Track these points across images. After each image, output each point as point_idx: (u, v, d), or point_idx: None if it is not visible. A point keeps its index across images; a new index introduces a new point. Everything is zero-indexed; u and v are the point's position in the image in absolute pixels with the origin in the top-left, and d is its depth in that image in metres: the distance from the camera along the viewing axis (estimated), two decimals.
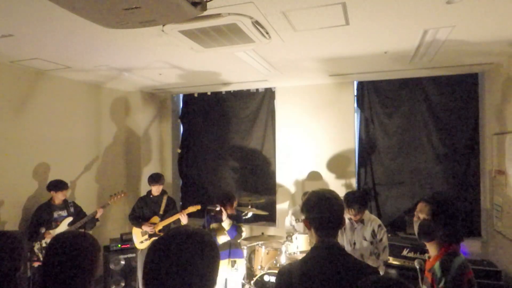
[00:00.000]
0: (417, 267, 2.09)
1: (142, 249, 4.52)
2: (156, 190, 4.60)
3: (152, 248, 1.09)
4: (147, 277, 1.05)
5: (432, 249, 1.87)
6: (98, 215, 4.34)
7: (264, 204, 5.48)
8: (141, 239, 4.50)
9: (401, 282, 1.22)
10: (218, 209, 3.85)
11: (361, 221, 3.36)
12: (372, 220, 3.40)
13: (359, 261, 1.62)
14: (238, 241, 3.95)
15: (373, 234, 3.35)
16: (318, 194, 1.69)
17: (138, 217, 4.55)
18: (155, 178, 4.61)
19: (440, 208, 1.82)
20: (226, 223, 3.80)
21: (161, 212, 4.55)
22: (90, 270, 1.46)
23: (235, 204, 3.97)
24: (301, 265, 1.62)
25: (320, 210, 1.63)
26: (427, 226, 1.82)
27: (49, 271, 1.42)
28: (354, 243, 3.38)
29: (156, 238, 4.54)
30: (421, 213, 1.87)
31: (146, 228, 4.44)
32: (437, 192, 1.98)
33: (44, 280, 1.41)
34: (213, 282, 1.09)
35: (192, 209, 4.51)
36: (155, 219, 4.51)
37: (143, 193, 5.37)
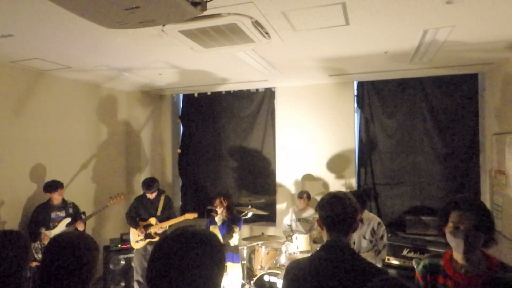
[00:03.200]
0: (415, 266, 2.09)
1: (137, 249, 4.47)
2: (150, 195, 4.47)
3: (157, 248, 1.07)
4: (151, 276, 1.04)
5: (472, 258, 1.71)
6: (80, 228, 4.22)
7: (264, 204, 5.48)
8: (137, 238, 4.44)
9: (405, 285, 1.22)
10: (216, 208, 3.86)
11: (361, 220, 3.36)
12: (371, 219, 3.40)
13: (367, 262, 1.62)
14: (232, 244, 3.91)
15: (373, 233, 3.35)
16: (331, 193, 1.73)
17: (134, 217, 4.49)
18: (148, 186, 4.42)
19: (483, 216, 1.68)
20: (218, 218, 3.81)
21: (158, 214, 4.47)
22: (88, 270, 1.46)
23: (227, 205, 3.93)
24: (309, 263, 1.64)
25: (332, 209, 1.65)
26: (478, 237, 1.66)
27: (47, 272, 1.42)
28: (354, 243, 3.38)
29: (152, 239, 4.48)
30: (462, 224, 1.69)
31: (139, 231, 4.38)
32: (463, 196, 1.79)
33: (43, 280, 1.41)
34: (218, 284, 1.08)
35: (189, 216, 4.46)
36: (152, 220, 4.44)
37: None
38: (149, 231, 4.40)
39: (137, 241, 4.44)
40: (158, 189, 4.52)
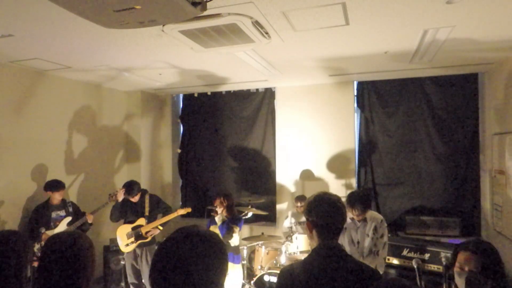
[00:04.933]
0: (415, 266, 2.09)
1: (128, 252, 4.34)
2: (134, 199, 4.36)
3: (161, 248, 1.07)
4: (155, 276, 1.04)
5: None
6: (89, 221, 4.23)
7: (264, 204, 5.49)
8: (126, 241, 4.28)
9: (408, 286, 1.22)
10: (216, 208, 3.85)
11: (364, 219, 3.36)
12: (374, 217, 3.39)
13: (360, 263, 1.63)
14: (232, 245, 3.90)
15: (374, 230, 3.34)
16: (325, 199, 1.67)
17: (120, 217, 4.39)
18: (128, 192, 4.28)
19: (490, 260, 1.68)
20: (218, 218, 3.80)
21: (146, 214, 4.36)
22: (86, 269, 1.45)
23: (228, 203, 3.91)
24: (303, 267, 1.62)
25: (331, 218, 1.63)
26: (478, 281, 1.62)
27: (45, 271, 1.42)
28: (358, 242, 3.37)
29: (144, 240, 4.39)
30: (467, 265, 1.69)
31: (119, 193, 4.24)
32: (477, 239, 1.79)
33: (41, 280, 1.41)
34: (221, 285, 1.08)
35: (182, 211, 4.38)
36: (141, 220, 4.33)
37: None
38: (140, 232, 4.29)
39: (127, 245, 4.30)
40: (140, 190, 4.41)
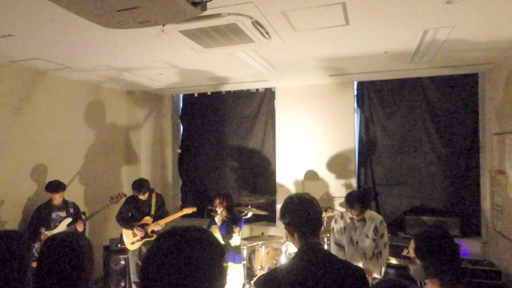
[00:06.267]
0: None
1: (133, 250, 4.40)
2: (143, 197, 4.40)
3: (151, 247, 1.05)
4: (145, 276, 1.01)
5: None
6: (79, 229, 4.19)
7: (264, 204, 5.49)
8: (132, 240, 4.36)
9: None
10: (216, 208, 3.86)
11: (363, 219, 3.36)
12: (373, 217, 3.39)
13: (344, 261, 1.63)
14: (233, 244, 3.90)
15: (375, 231, 3.34)
16: (298, 198, 1.69)
17: (127, 218, 4.41)
18: (139, 189, 4.32)
19: (421, 246, 1.71)
20: (218, 219, 3.81)
21: (152, 212, 4.41)
22: (85, 269, 1.45)
23: (227, 204, 3.92)
24: (291, 270, 1.58)
25: (308, 214, 1.63)
26: (416, 266, 1.72)
27: (43, 272, 1.41)
28: (357, 242, 3.38)
29: (149, 239, 4.42)
30: (411, 249, 1.77)
31: (137, 232, 4.30)
32: (433, 226, 1.88)
33: (39, 281, 1.41)
34: (217, 278, 1.04)
35: (187, 210, 4.44)
36: (147, 219, 4.38)
37: None
38: (145, 230, 4.34)
39: (132, 243, 4.36)
40: (149, 188, 4.45)
